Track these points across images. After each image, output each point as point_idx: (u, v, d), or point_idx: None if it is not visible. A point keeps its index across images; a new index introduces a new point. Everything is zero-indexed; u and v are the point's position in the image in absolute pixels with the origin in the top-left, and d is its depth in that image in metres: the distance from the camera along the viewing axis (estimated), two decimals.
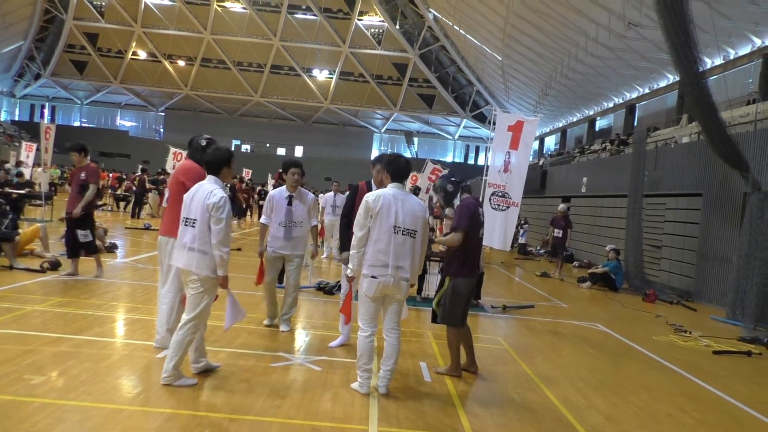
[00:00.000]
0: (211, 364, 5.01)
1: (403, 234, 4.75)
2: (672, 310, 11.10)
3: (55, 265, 8.93)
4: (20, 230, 10.01)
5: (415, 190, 16.99)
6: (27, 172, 21.76)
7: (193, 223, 4.59)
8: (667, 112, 23.67)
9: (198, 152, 5.48)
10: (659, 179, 14.84)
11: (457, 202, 5.81)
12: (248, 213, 25.23)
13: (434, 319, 5.73)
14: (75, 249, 8.62)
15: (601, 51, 22.86)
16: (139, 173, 23.15)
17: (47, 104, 54.07)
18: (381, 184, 5.88)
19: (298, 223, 6.51)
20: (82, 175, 8.51)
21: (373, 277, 4.73)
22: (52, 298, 7.14)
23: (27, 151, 23.49)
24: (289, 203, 6.47)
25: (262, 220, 6.67)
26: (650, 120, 24.15)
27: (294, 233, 6.49)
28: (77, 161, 8.63)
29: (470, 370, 5.74)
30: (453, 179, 5.88)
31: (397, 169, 4.93)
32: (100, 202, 17.62)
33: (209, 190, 4.60)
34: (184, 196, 4.76)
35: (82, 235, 8.50)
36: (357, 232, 4.78)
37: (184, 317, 4.65)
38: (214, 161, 4.82)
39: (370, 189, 5.99)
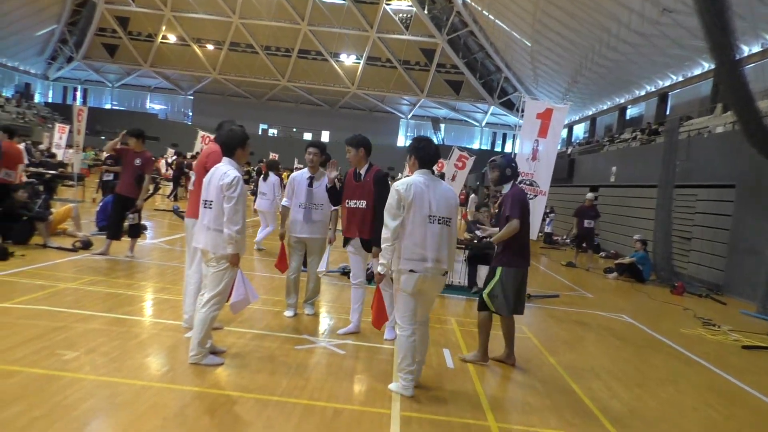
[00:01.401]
0: (216, 347, 5.02)
1: (438, 223, 4.48)
2: (700, 303, 10.92)
3: (86, 245, 9.14)
4: (53, 210, 10.24)
5: (440, 177, 16.95)
6: (60, 153, 22.20)
7: (211, 204, 4.68)
8: (700, 101, 23.10)
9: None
10: (691, 170, 14.54)
11: (506, 188, 5.67)
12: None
13: (481, 308, 5.63)
14: (117, 230, 8.85)
15: (633, 37, 22.37)
16: (174, 156, 23.45)
17: (79, 87, 54.88)
18: (359, 165, 5.91)
19: (319, 205, 6.37)
20: (138, 161, 8.70)
21: (411, 271, 4.45)
22: (84, 277, 7.31)
23: (60, 133, 23.95)
24: (310, 185, 6.39)
25: (284, 202, 6.62)
26: (683, 109, 23.60)
27: (314, 216, 6.39)
28: (134, 146, 8.81)
29: (507, 362, 5.69)
30: (514, 164, 5.75)
31: (427, 155, 4.68)
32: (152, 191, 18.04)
33: (223, 171, 4.67)
34: (204, 179, 4.86)
35: (131, 218, 8.83)
36: (390, 223, 4.45)
37: (207, 294, 4.71)
38: (228, 142, 4.86)
39: (354, 175, 5.97)
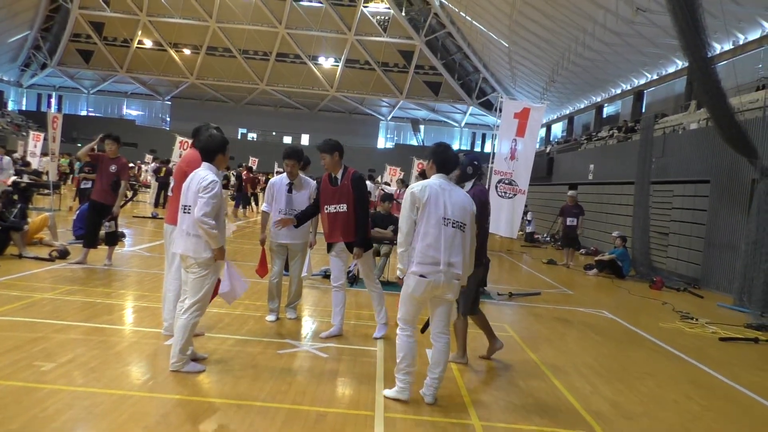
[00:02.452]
0: (197, 354, 4.97)
1: (453, 226, 4.37)
2: (679, 297, 11.08)
3: (63, 254, 9.01)
4: (29, 219, 10.08)
5: (421, 176, 17.00)
6: (35, 162, 21.86)
7: (190, 209, 4.64)
8: (675, 99, 23.47)
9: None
10: (667, 166, 14.75)
11: (468, 186, 5.71)
12: (255, 202, 25.25)
13: None
14: (94, 238, 8.72)
15: (608, 37, 22.65)
16: (153, 164, 23.20)
17: (54, 94, 54.13)
18: (334, 170, 5.93)
19: (299, 210, 6.30)
20: (113, 167, 8.59)
21: (422, 276, 4.32)
22: (61, 287, 7.20)
23: (35, 141, 23.59)
24: (289, 191, 6.43)
25: (264, 207, 6.64)
26: (658, 106, 23.95)
27: None
28: (112, 152, 8.69)
29: (496, 348, 5.83)
30: (476, 163, 5.77)
31: (445, 160, 4.61)
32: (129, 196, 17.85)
33: (202, 176, 4.64)
34: (183, 184, 4.82)
35: (107, 225, 8.72)
36: (403, 227, 4.40)
37: (188, 301, 4.68)
38: (208, 148, 4.82)
39: (330, 179, 5.97)
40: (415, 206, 4.38)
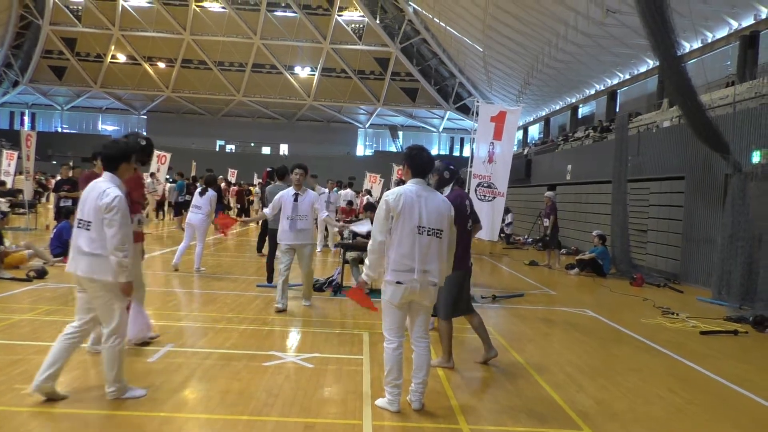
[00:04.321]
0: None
1: (428, 234, 4.33)
2: (659, 293, 11.22)
3: (41, 274, 8.87)
4: (6, 242, 9.90)
5: (400, 184, 17.05)
6: (9, 181, 21.51)
7: (87, 225, 4.18)
8: (648, 97, 23.86)
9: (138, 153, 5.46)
10: (642, 164, 14.97)
11: (447, 190, 5.75)
12: (244, 214, 25.12)
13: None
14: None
15: (580, 39, 22.98)
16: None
17: (27, 111, 53.41)
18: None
19: (303, 216, 7.54)
20: None
21: (398, 282, 4.32)
22: (40, 307, 7.09)
23: (8, 160, 23.20)
24: (295, 199, 7.56)
25: (266, 210, 7.93)
26: (632, 105, 24.33)
27: (299, 225, 7.54)
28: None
29: (490, 355, 5.80)
30: (452, 167, 5.79)
31: (421, 163, 4.54)
32: None
33: (102, 189, 4.18)
34: (81, 196, 4.37)
35: None
36: (377, 236, 4.37)
37: (105, 330, 4.24)
38: (111, 155, 4.35)
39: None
40: (390, 215, 4.33)
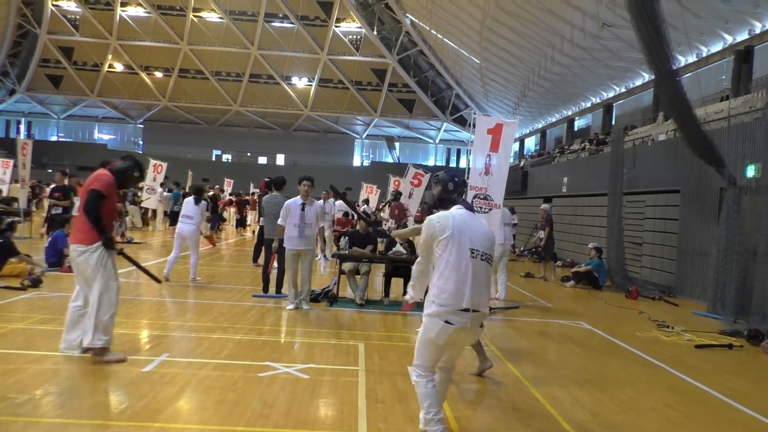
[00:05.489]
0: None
1: (481, 259, 3.97)
2: (654, 306, 11.24)
3: (36, 283, 8.83)
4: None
5: (397, 195, 17.07)
6: (5, 189, 21.42)
7: None
8: (643, 111, 23.99)
9: (120, 174, 5.68)
10: (638, 177, 15.03)
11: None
12: (245, 224, 25.19)
13: None
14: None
15: (576, 52, 23.13)
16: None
17: (23, 120, 53.29)
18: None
19: (309, 224, 8.33)
20: None
21: (447, 322, 3.85)
22: (34, 316, 7.06)
23: (4, 168, 23.13)
24: (302, 209, 8.32)
25: (279, 221, 8.43)
26: (627, 119, 24.45)
27: (306, 232, 8.31)
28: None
29: (485, 366, 5.80)
30: (457, 179, 5.81)
31: (461, 186, 4.62)
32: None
33: None
34: None
35: None
36: (419, 265, 4.15)
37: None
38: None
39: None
40: (437, 239, 3.98)
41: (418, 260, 4.20)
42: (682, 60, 18.76)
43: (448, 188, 5.59)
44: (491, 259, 4.07)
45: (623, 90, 25.45)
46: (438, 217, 4.09)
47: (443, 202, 5.51)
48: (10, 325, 6.52)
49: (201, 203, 10.50)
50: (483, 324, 4.00)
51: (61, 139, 53.63)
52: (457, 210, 4.17)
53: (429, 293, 4.06)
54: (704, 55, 19.10)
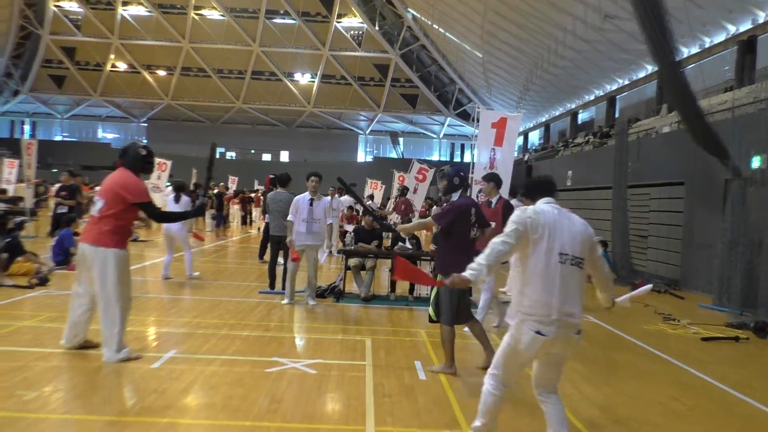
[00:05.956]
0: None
1: (571, 264, 3.53)
2: (660, 299, 11.21)
3: (43, 281, 8.87)
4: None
5: (404, 190, 17.07)
6: (11, 189, 21.53)
7: None
8: (647, 103, 23.90)
9: (138, 161, 5.61)
10: (642, 169, 14.98)
11: (456, 196, 5.75)
12: (249, 221, 25.29)
13: (431, 320, 5.75)
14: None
15: (579, 44, 23.05)
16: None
17: (27, 120, 53.42)
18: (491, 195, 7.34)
19: (317, 219, 8.40)
20: None
21: (539, 333, 3.48)
22: (42, 314, 7.10)
23: (9, 168, 23.23)
24: (311, 204, 8.34)
25: (290, 217, 8.39)
26: (631, 111, 24.37)
27: (314, 228, 8.37)
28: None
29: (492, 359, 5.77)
30: (462, 174, 5.81)
31: (547, 180, 3.96)
32: None
33: None
34: None
35: None
36: (499, 246, 3.51)
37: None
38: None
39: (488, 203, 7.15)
40: (524, 236, 3.53)
41: (503, 239, 3.54)
42: (685, 51, 18.68)
43: (454, 182, 5.61)
44: (583, 263, 3.61)
45: (626, 82, 25.35)
46: (533, 212, 3.61)
47: (448, 191, 5.53)
48: (18, 323, 6.56)
49: (182, 199, 10.33)
50: (579, 331, 3.59)
51: (65, 139, 53.72)
52: (547, 206, 3.69)
53: (512, 298, 3.73)
54: (707, 45, 18.98)
